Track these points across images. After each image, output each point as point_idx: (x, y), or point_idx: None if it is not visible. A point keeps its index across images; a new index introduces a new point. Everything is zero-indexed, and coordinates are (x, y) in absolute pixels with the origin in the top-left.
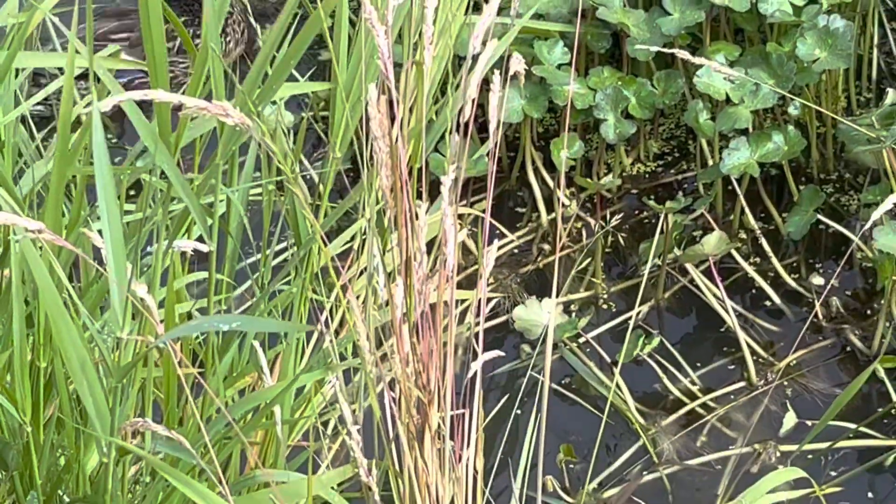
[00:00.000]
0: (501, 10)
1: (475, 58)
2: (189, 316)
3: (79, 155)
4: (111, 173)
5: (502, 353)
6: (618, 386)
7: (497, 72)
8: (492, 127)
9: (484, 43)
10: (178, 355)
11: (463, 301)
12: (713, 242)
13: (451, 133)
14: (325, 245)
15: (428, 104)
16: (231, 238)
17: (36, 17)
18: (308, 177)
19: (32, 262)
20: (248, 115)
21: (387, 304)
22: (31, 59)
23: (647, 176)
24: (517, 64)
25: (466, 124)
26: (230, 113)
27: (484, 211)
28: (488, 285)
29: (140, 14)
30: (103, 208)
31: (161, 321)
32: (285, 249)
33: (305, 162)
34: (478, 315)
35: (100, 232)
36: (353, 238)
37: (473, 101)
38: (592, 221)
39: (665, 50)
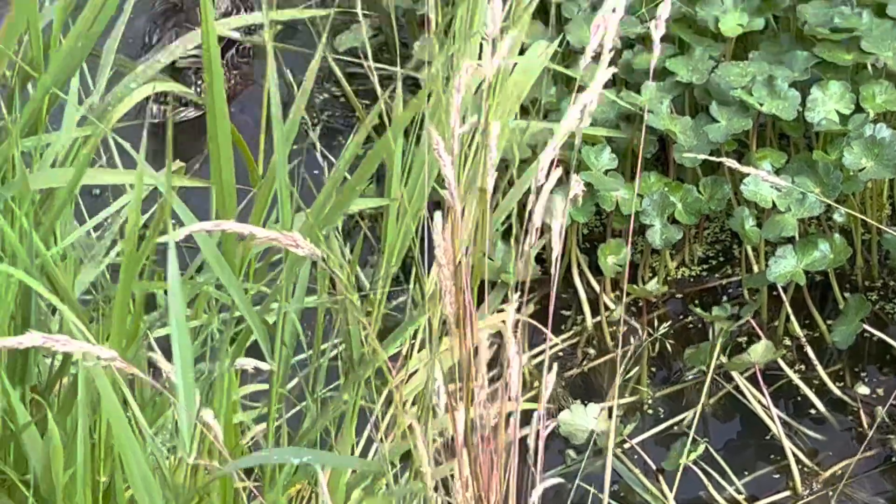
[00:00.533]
0: (547, 114)
1: (539, 188)
2: (242, 426)
3: (142, 263)
4: (184, 306)
5: (561, 480)
6: (663, 493)
7: (559, 198)
8: (555, 254)
9: (547, 175)
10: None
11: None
12: (760, 351)
13: (515, 262)
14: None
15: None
16: (285, 347)
17: (97, 135)
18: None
19: (101, 387)
20: (316, 242)
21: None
22: (98, 176)
23: (691, 280)
24: (577, 187)
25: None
26: (300, 244)
27: (531, 315)
28: (533, 388)
29: (208, 140)
30: (175, 340)
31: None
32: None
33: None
34: (537, 437)
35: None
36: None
37: (537, 229)
38: (637, 325)
39: (713, 159)
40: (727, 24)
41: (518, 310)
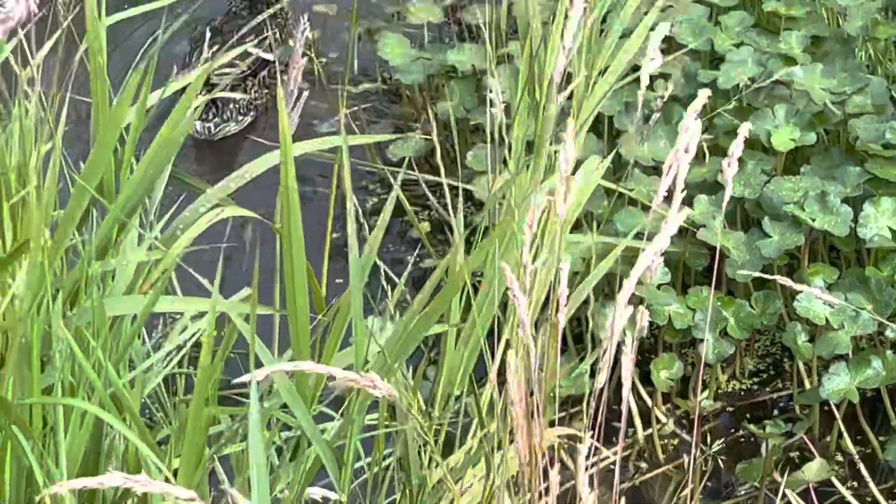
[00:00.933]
0: (601, 225)
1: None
2: None
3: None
4: (264, 452)
5: None
6: None
7: (629, 334)
8: (625, 392)
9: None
10: None
11: None
12: (815, 469)
13: (587, 408)
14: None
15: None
16: (346, 466)
17: (166, 261)
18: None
19: None
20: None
21: None
22: (171, 304)
23: (742, 393)
24: (643, 318)
25: (601, 391)
26: (378, 385)
27: (583, 430)
28: None
29: (285, 277)
30: (255, 485)
31: None
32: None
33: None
34: None
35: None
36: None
37: (609, 367)
38: (688, 438)
39: (768, 276)
40: (779, 138)
41: (567, 420)
